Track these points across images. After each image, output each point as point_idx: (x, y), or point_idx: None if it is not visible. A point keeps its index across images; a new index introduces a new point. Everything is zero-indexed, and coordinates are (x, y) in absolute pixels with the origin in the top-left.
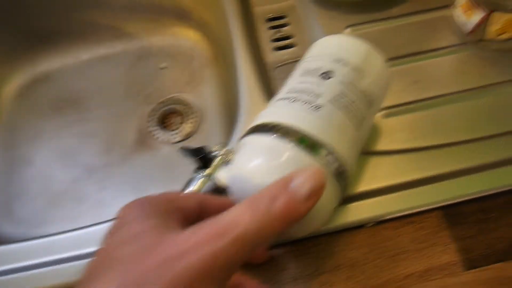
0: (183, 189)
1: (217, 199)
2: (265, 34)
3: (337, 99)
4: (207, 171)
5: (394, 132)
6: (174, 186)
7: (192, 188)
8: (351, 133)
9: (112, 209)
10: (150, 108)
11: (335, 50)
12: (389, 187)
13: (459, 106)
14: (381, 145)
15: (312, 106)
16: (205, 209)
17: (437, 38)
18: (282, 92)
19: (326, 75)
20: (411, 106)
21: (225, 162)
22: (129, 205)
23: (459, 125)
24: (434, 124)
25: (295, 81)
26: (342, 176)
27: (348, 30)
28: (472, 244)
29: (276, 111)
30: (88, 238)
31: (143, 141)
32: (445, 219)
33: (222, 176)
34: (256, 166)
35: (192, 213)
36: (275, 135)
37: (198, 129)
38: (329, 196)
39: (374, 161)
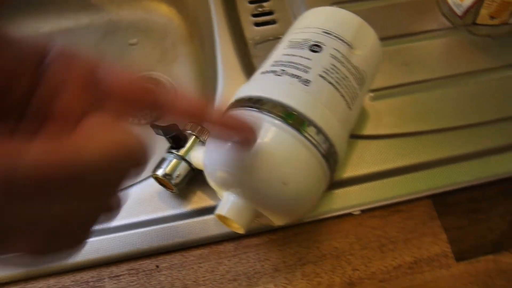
0: (154, 170)
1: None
2: (245, 8)
3: (328, 73)
4: (181, 151)
5: (381, 116)
6: None
7: (164, 169)
8: (343, 112)
9: None
10: None
11: (325, 22)
12: (377, 173)
13: (448, 91)
14: (369, 129)
15: (301, 81)
16: None
17: (427, 20)
18: (266, 65)
19: (316, 47)
20: (399, 89)
21: (201, 142)
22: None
23: (448, 111)
24: (423, 109)
25: (280, 53)
26: (332, 158)
27: None
28: (462, 235)
29: (261, 85)
30: None
31: None
32: (434, 209)
33: (198, 157)
34: None
35: None
36: (259, 111)
37: None
38: (317, 179)
39: (361, 145)
